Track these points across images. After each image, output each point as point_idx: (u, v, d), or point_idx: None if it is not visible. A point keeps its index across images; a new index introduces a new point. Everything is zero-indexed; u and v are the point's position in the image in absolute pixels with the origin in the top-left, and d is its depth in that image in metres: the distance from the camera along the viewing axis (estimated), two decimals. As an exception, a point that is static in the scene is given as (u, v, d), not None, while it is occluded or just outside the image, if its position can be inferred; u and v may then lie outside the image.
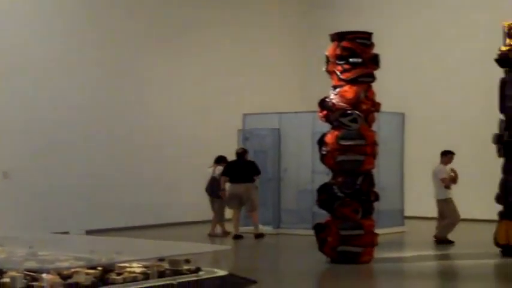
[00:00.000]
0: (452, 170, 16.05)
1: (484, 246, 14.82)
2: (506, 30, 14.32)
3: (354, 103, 13.05)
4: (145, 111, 19.85)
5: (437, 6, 22.25)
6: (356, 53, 13.05)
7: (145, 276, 6.12)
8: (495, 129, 14.31)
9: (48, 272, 5.71)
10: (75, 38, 18.46)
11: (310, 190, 17.09)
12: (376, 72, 13.33)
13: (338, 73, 13.15)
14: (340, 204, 13.01)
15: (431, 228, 16.93)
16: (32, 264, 5.98)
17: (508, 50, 14.03)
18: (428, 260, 13.67)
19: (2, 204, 16.75)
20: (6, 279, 5.77)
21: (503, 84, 14.26)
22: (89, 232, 16.64)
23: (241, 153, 17.44)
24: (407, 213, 19.11)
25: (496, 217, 14.40)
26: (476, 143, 19.28)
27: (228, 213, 17.92)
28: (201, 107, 21.17)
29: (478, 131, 18.85)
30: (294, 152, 18.65)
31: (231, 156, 17.75)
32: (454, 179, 16.03)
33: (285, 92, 23.55)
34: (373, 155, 13.29)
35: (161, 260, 6.44)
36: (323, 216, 13.72)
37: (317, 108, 13.51)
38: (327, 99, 13.27)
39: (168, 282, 6.03)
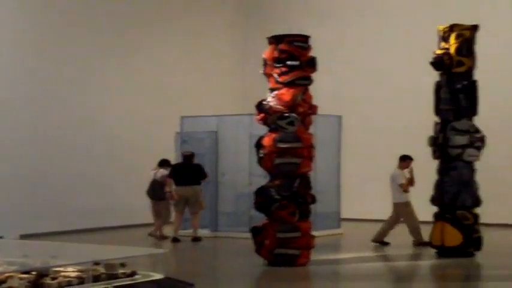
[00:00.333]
0: (410, 172, 16.07)
1: (420, 247, 14.98)
2: (441, 34, 14.53)
3: (291, 106, 13.07)
4: (82, 114, 19.61)
5: (374, 10, 22.46)
6: (293, 56, 13.09)
7: (81, 280, 6.04)
8: (431, 132, 14.50)
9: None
10: (9, 37, 18.17)
11: (247, 193, 17.06)
12: (313, 75, 13.37)
13: (275, 76, 13.17)
14: (277, 207, 13.01)
15: (367, 230, 17.05)
16: (-37, 270, 5.85)
17: (443, 54, 14.23)
18: (364, 262, 13.76)
19: None
20: None
21: (438, 87, 14.46)
22: (24, 236, 16.38)
23: (189, 156, 17.44)
24: (343, 215, 19.22)
25: (431, 218, 14.58)
26: (412, 145, 19.44)
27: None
28: (138, 109, 21.00)
29: (414, 133, 19.05)
30: (231, 155, 18.62)
31: (172, 160, 17.73)
32: (411, 181, 16.06)
33: (223, 94, 23.53)
34: (310, 158, 13.33)
35: (96, 264, 6.36)
36: (260, 219, 13.71)
37: (255, 111, 13.51)
38: (264, 102, 13.28)
39: (103, 286, 5.96)
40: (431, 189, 14.51)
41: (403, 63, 21.38)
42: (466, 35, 14.24)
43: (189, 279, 6.97)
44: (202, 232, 17.68)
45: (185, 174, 17.14)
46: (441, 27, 14.53)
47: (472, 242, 14.07)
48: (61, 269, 6.25)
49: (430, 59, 14.37)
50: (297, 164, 13.10)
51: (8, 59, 18.07)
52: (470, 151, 14.13)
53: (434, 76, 14.58)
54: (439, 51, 14.37)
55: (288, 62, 13.05)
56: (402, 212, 15.97)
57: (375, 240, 16.05)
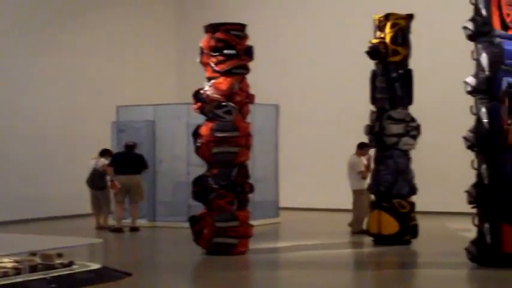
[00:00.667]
0: (368, 159, 16.08)
1: (357, 235, 15.11)
2: (376, 23, 14.64)
3: (228, 95, 13.06)
4: (17, 105, 19.37)
5: (312, 0, 22.55)
6: (230, 45, 13.06)
7: (17, 271, 5.95)
8: (367, 121, 14.62)
9: None
10: None
11: (185, 182, 17.03)
12: (250, 64, 13.37)
13: (212, 65, 13.13)
14: (215, 196, 13.01)
15: (305, 219, 17.18)
16: None
17: (379, 43, 14.34)
18: (302, 250, 13.83)
19: None
20: None
21: (374, 76, 14.57)
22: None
23: (132, 146, 17.38)
24: (282, 204, 19.29)
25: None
26: (349, 134, 19.61)
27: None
28: (74, 99, 20.80)
29: (351, 122, 19.21)
30: (169, 144, 18.59)
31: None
32: (368, 168, 16.07)
33: (160, 84, 23.41)
34: (248, 147, 13.34)
35: (33, 254, 6.28)
36: (198, 208, 13.70)
37: (192, 100, 13.46)
38: (201, 91, 13.24)
39: (40, 277, 5.89)
40: (368, 178, 14.65)
41: (339, 52, 21.52)
42: (402, 24, 14.35)
43: (127, 268, 6.93)
44: (140, 222, 17.58)
45: (126, 163, 17.06)
46: (376, 17, 14.65)
47: (408, 230, 14.23)
48: (-4, 260, 6.17)
49: (366, 48, 14.48)
50: (234, 153, 13.10)
51: None
52: (406, 140, 14.28)
53: (370, 65, 14.69)
54: (374, 41, 14.47)
55: (225, 51, 13.02)
56: (356, 198, 15.99)
57: (355, 232, 15.93)
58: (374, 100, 14.57)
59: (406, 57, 14.43)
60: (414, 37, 14.48)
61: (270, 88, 20.82)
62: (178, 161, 18.25)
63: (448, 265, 11.92)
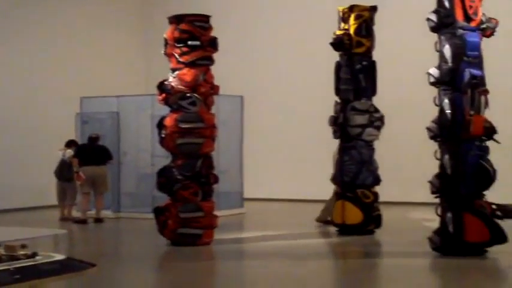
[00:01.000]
0: None
1: (321, 225, 15.18)
2: (340, 14, 14.70)
3: (193, 86, 13.06)
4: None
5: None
6: (194, 36, 13.05)
7: (-21, 262, 5.91)
8: (332, 112, 14.68)
9: None
10: None
11: (150, 173, 17.01)
12: (215, 55, 13.37)
13: (177, 56, 13.11)
14: (179, 187, 13.01)
15: (270, 210, 17.20)
16: None
17: (343, 34, 14.40)
18: (267, 241, 13.87)
19: None
20: None
21: (338, 67, 14.63)
22: None
23: (95, 138, 17.31)
24: (246, 195, 19.33)
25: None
26: (314, 125, 19.70)
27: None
28: (37, 90, 20.63)
29: (316, 113, 19.26)
30: (133, 136, 18.54)
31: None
32: None
33: (125, 75, 23.30)
34: (212, 138, 13.35)
35: (-4, 245, 6.24)
36: (163, 199, 13.68)
37: (156, 91, 13.44)
38: (165, 82, 13.22)
39: (3, 268, 5.84)
40: (332, 169, 14.72)
41: (304, 43, 21.55)
42: (365, 16, 14.43)
43: (92, 259, 6.90)
44: (105, 213, 17.52)
45: (91, 154, 17.03)
46: (341, 8, 14.71)
47: (372, 220, 14.34)
48: (-42, 251, 6.11)
49: (331, 40, 14.53)
50: (199, 144, 13.11)
51: None
52: (369, 131, 14.38)
53: (335, 56, 14.75)
54: (339, 32, 14.54)
55: (189, 42, 13.01)
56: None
57: (320, 221, 15.88)
58: (338, 91, 14.64)
59: (370, 49, 14.51)
60: (377, 29, 14.57)
61: (234, 79, 20.83)
62: (142, 153, 18.22)
63: (411, 255, 12.02)
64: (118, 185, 18.34)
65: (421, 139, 12.48)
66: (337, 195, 14.62)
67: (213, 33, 13.33)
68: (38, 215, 18.53)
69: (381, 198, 14.69)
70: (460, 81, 11.16)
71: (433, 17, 11.44)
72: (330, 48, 14.58)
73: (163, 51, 13.37)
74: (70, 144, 17.67)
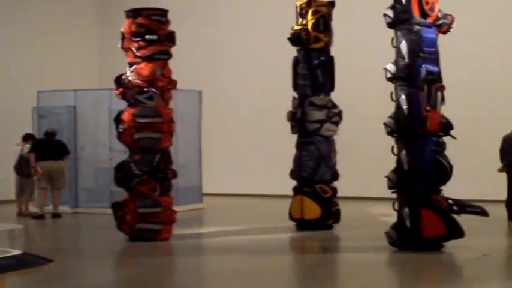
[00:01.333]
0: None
1: (280, 220, 15.22)
2: (298, 10, 14.71)
3: (150, 80, 12.99)
4: None
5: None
6: (152, 30, 12.98)
7: None
8: (290, 107, 14.69)
9: None
10: None
11: (108, 168, 16.91)
12: (172, 50, 13.31)
13: (134, 50, 13.04)
14: (137, 182, 12.95)
15: (229, 205, 17.15)
16: None
17: (301, 29, 14.41)
18: (226, 236, 13.86)
19: None
20: None
21: (296, 62, 14.65)
22: None
23: (52, 133, 17.17)
24: (205, 190, 19.29)
25: (290, 192, 14.82)
26: (272, 120, 19.71)
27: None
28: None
29: (274, 108, 19.26)
30: (91, 130, 18.40)
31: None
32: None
33: (82, 68, 23.12)
34: (170, 133, 13.31)
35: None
36: (121, 194, 13.62)
37: (114, 86, 13.35)
38: (123, 77, 13.14)
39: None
40: (291, 164, 14.73)
41: (262, 38, 21.53)
42: (323, 11, 14.44)
43: (49, 255, 6.83)
44: (62, 208, 17.40)
45: (48, 149, 16.88)
46: (298, 3, 14.71)
47: (330, 215, 14.38)
48: None
49: (289, 35, 14.54)
50: (157, 139, 13.05)
51: None
52: (327, 126, 14.40)
53: (293, 51, 14.76)
54: (296, 27, 14.55)
55: (147, 37, 12.93)
56: None
57: None
58: (296, 86, 14.65)
59: (327, 44, 14.52)
60: (335, 24, 14.61)
61: (193, 74, 20.77)
62: (100, 147, 18.09)
63: (369, 249, 12.09)
64: (76, 180, 18.22)
65: (379, 134, 12.52)
66: (295, 191, 14.63)
67: (171, 28, 13.27)
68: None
69: (340, 193, 14.74)
70: (417, 77, 11.22)
71: (390, 13, 11.48)
72: (288, 43, 14.58)
73: (120, 45, 13.28)
74: (27, 138, 17.51)
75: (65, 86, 19.42)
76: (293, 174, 14.71)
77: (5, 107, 20.42)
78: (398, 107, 11.40)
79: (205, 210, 18.52)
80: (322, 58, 14.45)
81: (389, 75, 11.58)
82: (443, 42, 11.87)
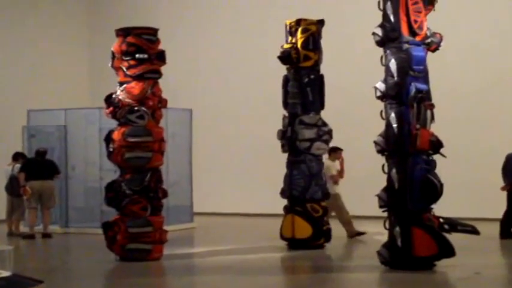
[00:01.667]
0: (341, 163, 15.97)
1: (271, 240, 15.16)
2: (288, 28, 14.73)
3: (141, 99, 12.98)
4: None
5: (225, 4, 22.53)
6: (142, 49, 12.97)
7: None
8: (281, 125, 14.68)
9: None
10: None
11: (98, 187, 16.88)
12: (163, 69, 13.30)
13: (124, 69, 13.03)
14: (128, 201, 12.91)
15: (220, 224, 17.07)
16: None
17: (290, 48, 14.43)
18: (217, 255, 13.81)
19: None
20: None
21: (286, 81, 14.66)
22: None
23: (43, 152, 17.11)
24: (196, 209, 19.22)
25: (281, 211, 14.78)
26: (262, 139, 19.67)
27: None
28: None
29: (264, 126, 19.24)
30: (81, 149, 18.37)
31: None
32: (341, 173, 15.96)
33: (73, 88, 23.10)
34: (161, 152, 13.28)
35: None
36: (112, 214, 13.57)
37: (104, 105, 13.33)
38: (113, 96, 13.13)
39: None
40: (282, 183, 14.69)
41: (252, 57, 21.55)
42: (312, 30, 14.46)
43: (39, 276, 6.79)
44: (53, 228, 17.34)
45: (38, 169, 16.85)
46: (288, 22, 14.73)
47: (321, 234, 14.35)
48: None
49: (278, 54, 14.55)
50: (147, 158, 13.02)
51: None
52: (318, 144, 14.40)
53: (283, 70, 14.77)
54: (286, 46, 14.56)
55: (137, 55, 12.92)
56: (332, 204, 15.60)
57: (351, 236, 15.81)
58: (286, 105, 14.66)
59: (317, 63, 14.55)
60: (324, 42, 14.64)
61: (183, 92, 20.76)
62: (90, 166, 18.05)
63: (361, 269, 12.06)
64: (66, 200, 18.17)
65: (369, 153, 12.52)
66: (286, 209, 14.60)
67: (161, 46, 13.27)
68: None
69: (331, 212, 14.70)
70: (406, 95, 11.22)
71: (379, 32, 11.50)
72: (278, 61, 14.59)
73: (110, 64, 13.27)
74: (17, 157, 17.48)
75: (55, 105, 19.40)
76: (284, 193, 14.66)
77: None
78: (388, 125, 11.40)
79: (196, 229, 18.45)
80: (312, 76, 14.45)
81: (378, 94, 11.59)
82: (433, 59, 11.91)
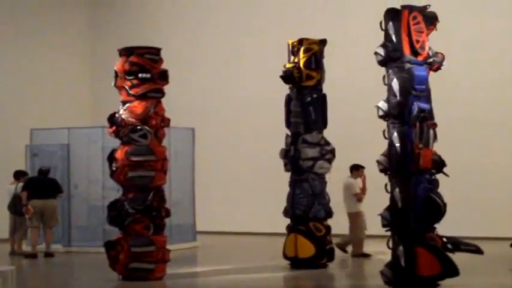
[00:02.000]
0: (363, 181, 15.91)
1: (274, 259, 15.13)
2: (290, 48, 14.77)
3: (143, 118, 12.98)
4: None
5: (227, 24, 22.58)
6: (145, 69, 13.00)
7: None
8: (284, 144, 14.68)
9: None
10: None
11: (101, 206, 16.86)
12: (165, 88, 13.32)
13: (127, 88, 13.04)
14: (131, 220, 12.88)
15: (222, 243, 17.02)
16: None
17: (293, 67, 14.46)
18: (220, 275, 13.78)
19: None
20: None
21: (289, 100, 14.68)
22: None
23: (46, 171, 17.14)
24: (199, 228, 19.19)
25: (284, 230, 14.76)
26: (265, 157, 19.65)
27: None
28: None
29: (268, 145, 19.21)
30: (84, 168, 18.37)
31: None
32: (364, 191, 15.89)
33: (76, 106, 23.14)
34: (164, 171, 13.27)
35: None
36: (114, 233, 13.55)
37: (107, 124, 13.34)
38: (116, 115, 13.13)
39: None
40: (284, 202, 14.67)
41: (255, 76, 21.57)
42: (315, 49, 14.50)
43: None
44: (55, 247, 17.32)
45: (41, 187, 16.86)
46: (290, 41, 14.77)
47: (324, 253, 14.31)
48: None
49: (281, 73, 14.58)
50: (150, 177, 13.01)
51: None
52: (321, 163, 14.39)
53: (286, 89, 14.79)
54: (289, 65, 14.59)
55: (140, 75, 12.94)
56: (353, 221, 15.74)
57: (356, 255, 15.80)
58: (289, 124, 14.66)
59: (319, 82, 14.57)
60: (327, 62, 14.67)
61: (185, 111, 20.77)
62: (93, 185, 18.05)
63: (364, 288, 12.04)
64: (69, 218, 18.16)
65: (372, 172, 12.50)
66: (289, 229, 14.57)
67: (164, 66, 13.29)
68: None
69: (334, 231, 14.67)
70: (409, 115, 11.21)
71: (381, 51, 11.51)
72: (281, 81, 14.61)
73: (113, 84, 13.29)
74: (18, 175, 17.49)
75: (58, 124, 19.42)
76: (287, 212, 14.64)
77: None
78: (391, 144, 11.39)
79: (199, 248, 18.41)
80: (315, 95, 14.47)
81: (381, 113, 11.59)
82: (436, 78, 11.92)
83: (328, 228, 14.48)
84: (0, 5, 21.44)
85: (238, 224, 21.13)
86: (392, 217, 11.39)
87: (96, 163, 17.74)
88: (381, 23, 11.56)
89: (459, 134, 18.28)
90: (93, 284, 13.18)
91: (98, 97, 23.16)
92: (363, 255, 15.65)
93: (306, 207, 14.28)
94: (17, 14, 21.78)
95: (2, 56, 21.17)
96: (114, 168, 13.13)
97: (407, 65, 11.33)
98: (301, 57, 14.44)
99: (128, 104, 13.07)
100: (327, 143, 14.55)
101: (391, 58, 11.42)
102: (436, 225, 11.40)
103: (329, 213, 14.55)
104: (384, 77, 11.60)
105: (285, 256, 14.57)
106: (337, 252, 14.56)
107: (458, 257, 11.31)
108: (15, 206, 17.21)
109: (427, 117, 11.26)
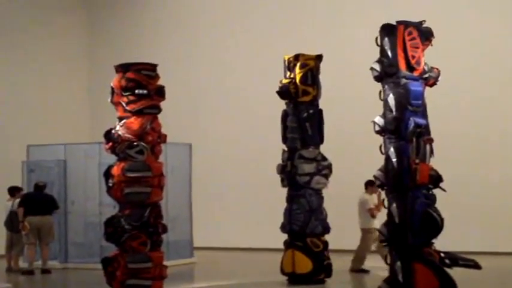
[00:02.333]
0: (378, 197, 15.71)
1: (272, 274, 15.09)
2: (286, 63, 14.79)
3: (140, 134, 12.94)
4: None
5: (224, 41, 22.62)
6: (141, 85, 12.98)
7: None
8: (280, 160, 14.68)
9: None
10: None
11: (97, 222, 16.83)
12: (162, 104, 13.31)
13: (124, 104, 13.01)
14: (127, 237, 12.83)
15: (220, 259, 16.93)
16: None
17: (289, 83, 14.47)
18: (216, 291, 13.77)
19: None
20: None
21: (285, 116, 14.68)
22: None
23: (42, 187, 17.14)
24: (196, 244, 19.14)
25: (282, 246, 14.72)
26: (262, 173, 19.65)
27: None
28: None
29: (264, 161, 19.22)
30: (81, 184, 18.34)
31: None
32: (379, 207, 15.69)
33: (72, 123, 23.14)
34: (161, 187, 13.21)
35: None
36: (111, 249, 13.49)
37: (103, 140, 13.32)
38: (112, 131, 13.11)
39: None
40: (281, 217, 14.64)
41: (251, 92, 21.60)
42: (311, 65, 14.52)
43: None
44: (52, 263, 17.27)
45: (37, 204, 16.83)
46: (286, 57, 14.79)
47: (322, 269, 14.28)
48: None
49: (277, 88, 14.59)
50: (147, 193, 12.94)
51: None
52: (317, 179, 14.38)
53: (282, 105, 14.79)
54: (285, 81, 14.61)
55: (136, 91, 12.92)
56: (363, 236, 15.73)
57: (354, 270, 15.79)
58: (285, 140, 14.66)
59: (316, 97, 14.59)
60: (324, 77, 14.68)
61: (182, 127, 20.77)
62: (90, 201, 18.03)
63: (361, 304, 12.00)
64: (65, 235, 18.12)
65: (369, 187, 12.48)
66: (286, 244, 14.54)
67: (160, 82, 13.28)
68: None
69: (331, 246, 14.64)
70: (405, 130, 11.23)
71: (377, 67, 11.52)
72: (277, 96, 14.62)
73: (109, 100, 13.27)
74: (13, 191, 17.48)
75: (55, 140, 19.40)
76: (284, 227, 14.62)
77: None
78: (388, 159, 11.39)
79: (196, 264, 18.36)
80: (311, 111, 14.48)
81: (377, 128, 11.59)
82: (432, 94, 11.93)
83: (326, 243, 14.45)
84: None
85: (235, 239, 21.09)
86: (389, 232, 11.39)
87: (92, 179, 17.71)
88: (376, 38, 11.59)
89: (456, 149, 18.33)
90: (90, 301, 13.14)
91: (95, 113, 23.16)
92: (361, 271, 15.62)
93: (303, 223, 14.26)
94: (12, 30, 21.79)
95: (0, 72, 21.18)
96: (110, 184, 13.07)
97: (403, 81, 11.35)
98: (298, 73, 14.45)
99: (124, 120, 13.03)
100: (324, 159, 14.54)
101: (387, 73, 11.43)
102: (433, 240, 11.39)
103: (326, 229, 14.53)
104: (380, 92, 11.61)
105: (283, 272, 14.53)
106: (335, 267, 14.50)
107: (456, 272, 11.29)
108: (12, 223, 17.21)
109: (423, 133, 11.28)
